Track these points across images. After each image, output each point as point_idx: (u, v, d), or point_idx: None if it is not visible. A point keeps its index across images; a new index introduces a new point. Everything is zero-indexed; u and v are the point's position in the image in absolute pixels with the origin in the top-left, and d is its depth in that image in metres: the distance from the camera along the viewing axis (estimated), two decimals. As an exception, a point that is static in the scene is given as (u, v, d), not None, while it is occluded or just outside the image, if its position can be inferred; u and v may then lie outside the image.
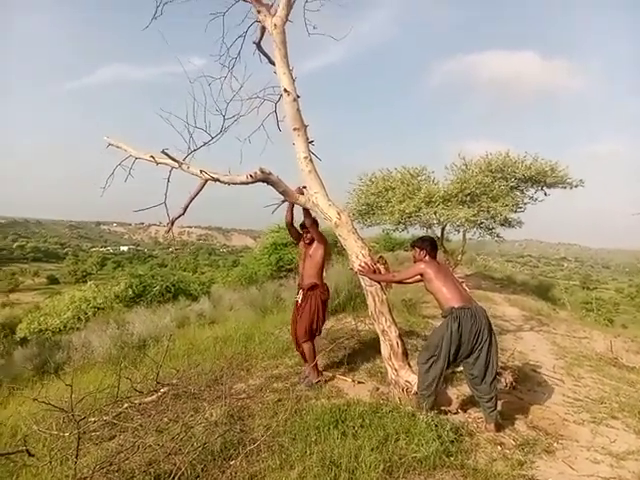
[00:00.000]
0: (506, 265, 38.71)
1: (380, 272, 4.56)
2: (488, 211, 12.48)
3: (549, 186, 13.20)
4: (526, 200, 13.52)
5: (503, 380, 5.14)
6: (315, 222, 5.01)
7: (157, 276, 21.73)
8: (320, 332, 5.11)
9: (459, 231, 15.05)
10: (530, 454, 3.60)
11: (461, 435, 3.69)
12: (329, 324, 7.91)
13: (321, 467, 3.04)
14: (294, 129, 4.79)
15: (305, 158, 4.75)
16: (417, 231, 15.43)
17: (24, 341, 16.52)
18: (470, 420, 4.16)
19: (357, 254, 4.59)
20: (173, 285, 20.60)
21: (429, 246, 4.34)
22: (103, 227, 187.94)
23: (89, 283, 23.07)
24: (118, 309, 17.77)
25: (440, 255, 16.34)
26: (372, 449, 3.24)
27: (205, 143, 4.99)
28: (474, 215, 12.36)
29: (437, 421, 3.66)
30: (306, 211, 4.90)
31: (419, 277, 4.23)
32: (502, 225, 13.80)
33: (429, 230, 15.16)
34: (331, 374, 5.25)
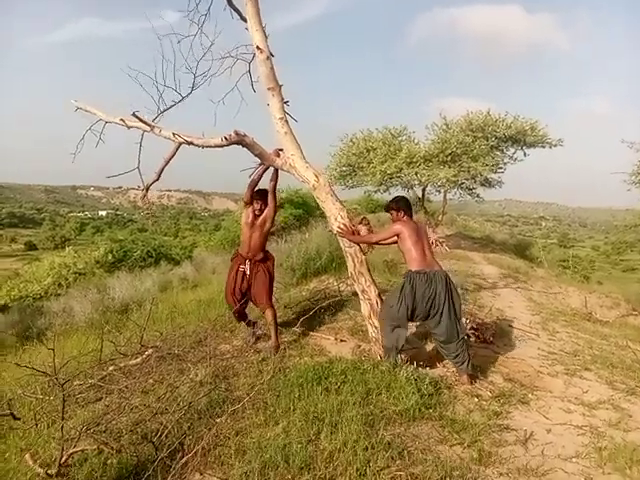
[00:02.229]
0: (486, 225, 39.25)
1: (359, 233, 4.59)
2: (469, 171, 12.52)
3: (529, 145, 13.28)
4: (506, 160, 13.61)
5: (475, 336, 5.33)
6: (275, 187, 4.93)
7: (138, 241, 21.52)
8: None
9: (440, 192, 15.14)
10: (506, 405, 3.74)
11: (440, 388, 3.81)
12: (311, 285, 8.00)
13: (305, 422, 3.12)
14: (268, 89, 4.63)
15: (280, 119, 4.62)
16: (398, 192, 15.46)
17: (4, 308, 16.38)
18: (449, 374, 4.29)
19: (336, 216, 4.58)
20: (154, 250, 20.46)
21: (404, 205, 4.41)
22: (80, 192, 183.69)
23: (68, 249, 22.69)
24: (99, 274, 17.62)
25: (421, 216, 16.55)
26: (354, 404, 3.34)
27: (175, 102, 4.87)
28: (455, 175, 12.41)
29: (416, 375, 3.76)
30: (274, 177, 4.85)
31: (396, 238, 4.29)
32: (482, 185, 13.91)
33: (410, 191, 15.21)
34: (313, 333, 5.34)
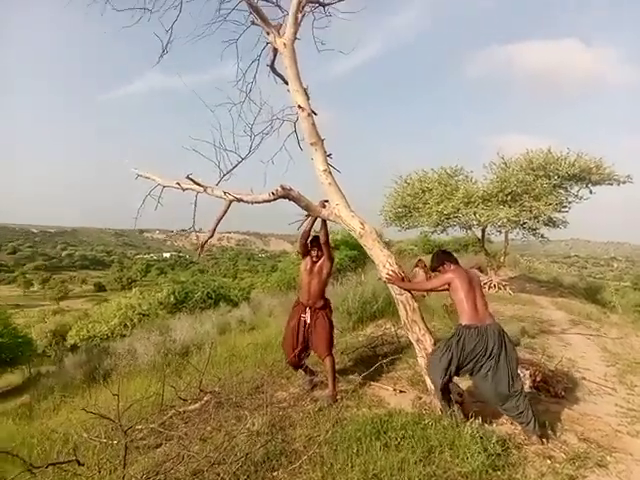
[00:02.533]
0: (552, 266, 37.46)
1: (409, 280, 4.54)
2: (531, 211, 12.08)
3: (594, 183, 12.68)
4: (571, 198, 13.02)
5: (545, 390, 4.98)
6: (327, 236, 4.96)
7: (198, 282, 22.24)
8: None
9: (501, 232, 14.65)
10: (581, 468, 3.45)
11: (508, 448, 3.57)
12: (368, 330, 7.86)
13: (364, 480, 3.00)
14: (311, 143, 4.84)
15: (324, 171, 4.77)
16: (456, 232, 15.15)
17: (74, 348, 17.27)
18: (517, 432, 4.01)
19: (384, 263, 4.53)
20: (214, 291, 21.04)
21: (443, 256, 4.35)
22: (146, 235, 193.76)
23: (134, 290, 23.86)
24: (162, 315, 18.28)
25: (482, 257, 16.00)
26: (415, 462, 3.17)
27: (236, 164, 5.15)
28: (516, 215, 11.99)
29: (482, 433, 3.55)
30: (323, 228, 4.89)
31: (449, 285, 4.17)
32: (546, 225, 13.29)
33: (469, 231, 14.85)
34: (372, 382, 5.20)
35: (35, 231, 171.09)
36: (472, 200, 12.61)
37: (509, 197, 12.39)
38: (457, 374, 4.01)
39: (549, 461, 3.53)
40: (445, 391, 4.01)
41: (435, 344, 4.40)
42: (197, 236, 5.24)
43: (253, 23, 5.47)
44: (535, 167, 12.60)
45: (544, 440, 3.84)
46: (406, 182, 14.23)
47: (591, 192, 12.96)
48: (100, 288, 78.59)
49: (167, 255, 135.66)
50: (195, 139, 5.00)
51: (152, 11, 5.52)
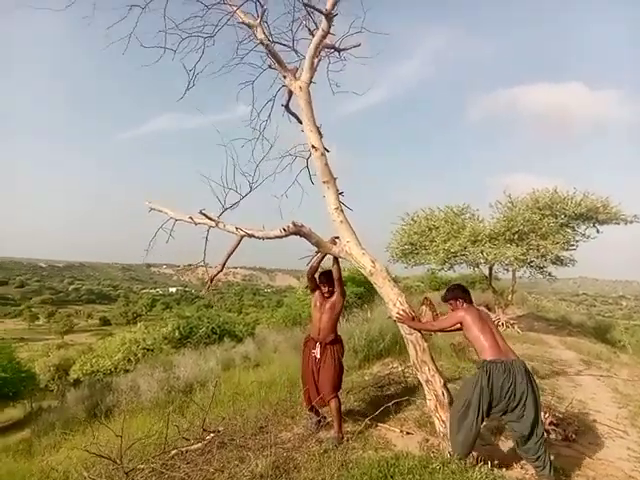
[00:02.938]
0: (560, 304, 37.03)
1: (419, 320, 4.49)
2: (538, 249, 12.06)
3: (601, 222, 12.68)
4: (578, 237, 12.99)
5: (556, 433, 4.85)
6: (339, 272, 4.95)
7: (203, 317, 22.17)
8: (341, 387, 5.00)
9: (508, 270, 14.57)
10: (595, 516, 3.33)
11: (519, 494, 3.46)
12: (375, 368, 7.75)
13: (370, 527, 2.91)
14: (323, 182, 4.95)
15: (336, 209, 4.85)
16: (464, 270, 15.09)
17: (77, 382, 17.08)
18: (527, 477, 3.90)
19: (394, 302, 4.52)
20: (219, 326, 20.94)
21: (461, 293, 4.27)
22: (153, 269, 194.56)
23: (139, 324, 23.74)
24: (166, 351, 18.14)
25: (489, 295, 15.87)
26: (423, 509, 3.08)
27: (235, 203, 5.29)
28: (523, 254, 11.97)
29: (492, 478, 3.45)
30: (336, 264, 4.89)
31: (460, 325, 4.12)
32: (554, 263, 13.24)
33: (476, 269, 14.79)
34: (378, 424, 5.09)
35: (43, 265, 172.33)
36: (479, 238, 12.62)
37: (516, 236, 12.40)
38: (488, 415, 3.84)
39: (562, 508, 3.43)
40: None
41: (445, 385, 4.32)
42: (206, 270, 5.31)
43: (270, 67, 5.72)
44: (541, 206, 12.65)
45: (556, 485, 3.72)
46: (413, 220, 14.30)
47: (598, 231, 12.95)
48: (105, 322, 78.32)
49: (173, 290, 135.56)
50: (202, 175, 5.14)
51: (176, 51, 5.73)
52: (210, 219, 4.92)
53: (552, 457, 3.82)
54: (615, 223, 12.60)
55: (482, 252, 12.43)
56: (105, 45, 5.48)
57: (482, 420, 3.80)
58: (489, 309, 16.32)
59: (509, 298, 15.63)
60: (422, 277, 26.93)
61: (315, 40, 5.38)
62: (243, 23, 5.48)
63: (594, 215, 12.31)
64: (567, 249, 12.80)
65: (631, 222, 12.51)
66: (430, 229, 13.68)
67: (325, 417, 5.12)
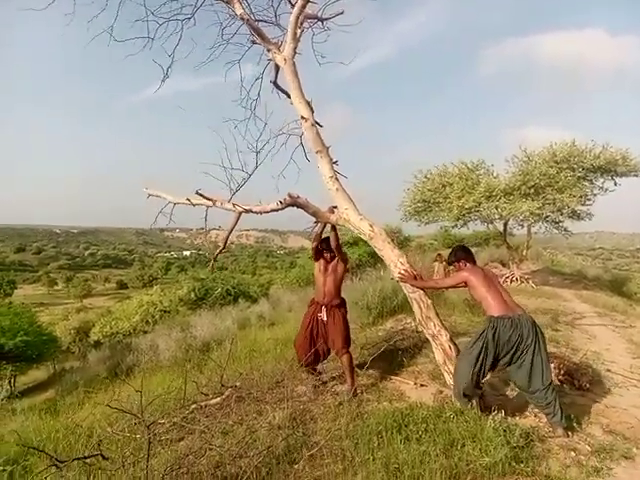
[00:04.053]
0: (576, 259, 36.76)
1: (421, 278, 4.53)
2: (554, 203, 11.87)
3: (620, 175, 12.39)
4: (595, 191, 12.74)
5: (570, 383, 4.88)
6: (338, 240, 4.94)
7: (218, 279, 22.42)
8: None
9: (523, 225, 14.42)
10: (607, 460, 3.37)
11: (532, 440, 3.51)
12: (388, 325, 7.82)
13: (385, 473, 2.98)
14: (317, 152, 4.95)
15: (331, 177, 4.87)
16: (477, 227, 14.96)
17: (97, 344, 17.59)
18: (541, 425, 3.94)
19: (395, 263, 4.56)
20: (233, 288, 21.19)
21: (463, 254, 4.30)
22: (167, 233, 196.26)
23: (155, 287, 24.14)
24: (183, 312, 18.49)
25: (504, 251, 15.76)
26: (437, 455, 3.14)
27: (244, 181, 5.23)
28: (539, 208, 11.80)
29: (505, 426, 3.49)
30: (333, 232, 4.87)
31: (464, 284, 4.13)
32: (570, 218, 13.04)
33: (490, 225, 14.66)
34: (392, 377, 5.17)
35: (58, 232, 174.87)
36: (494, 194, 12.46)
37: (532, 190, 12.19)
38: (493, 368, 3.94)
39: (573, 453, 3.47)
40: (473, 388, 3.91)
41: (451, 339, 4.37)
42: (216, 234, 5.41)
43: (254, 43, 5.69)
44: (559, 160, 12.37)
45: (569, 433, 3.77)
46: (426, 177, 14.13)
47: (616, 184, 12.68)
48: (122, 286, 79.81)
49: (187, 253, 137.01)
50: (203, 162, 5.13)
51: (154, 39, 5.72)
52: (207, 199, 5.00)
53: (563, 405, 3.86)
54: (634, 175, 12.31)
55: (497, 207, 12.30)
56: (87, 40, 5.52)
57: (485, 371, 3.87)
58: (503, 265, 16.27)
59: (524, 253, 15.54)
60: (435, 235, 26.83)
61: (295, 10, 5.34)
62: None
63: (613, 167, 12.02)
64: (584, 203, 12.58)
65: (651, 173, 12.22)
66: (444, 186, 13.52)
67: (321, 372, 5.25)
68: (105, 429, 4.07)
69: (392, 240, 4.76)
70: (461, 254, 4.31)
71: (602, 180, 12.70)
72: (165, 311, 19.15)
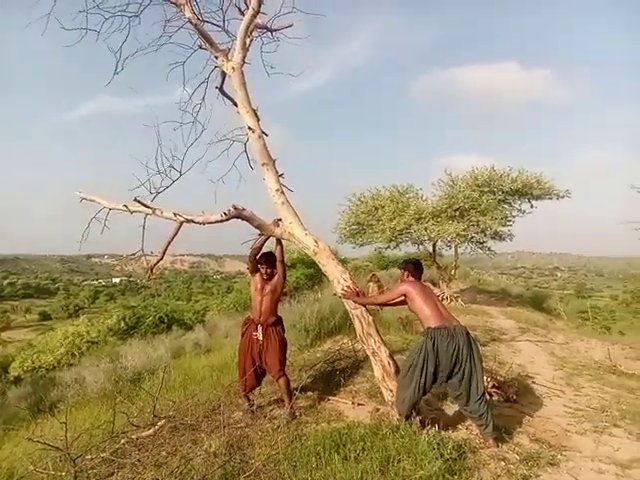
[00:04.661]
0: (500, 278, 38.78)
1: (364, 294, 4.64)
2: (478, 225, 12.58)
3: (536, 198, 13.36)
4: (514, 212, 13.67)
5: (498, 395, 5.13)
6: (282, 254, 4.94)
7: (150, 307, 21.56)
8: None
9: (450, 246, 15.12)
10: (534, 467, 3.57)
11: (464, 452, 3.65)
12: (326, 346, 7.86)
13: (323, 494, 2.98)
14: (262, 164, 4.93)
15: (277, 191, 4.85)
16: (409, 248, 15.48)
17: (18, 380, 16.24)
18: (472, 437, 4.11)
19: (338, 279, 4.63)
20: (167, 315, 20.45)
21: (412, 267, 4.43)
22: (94, 260, 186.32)
23: (82, 317, 22.78)
24: (112, 342, 17.57)
25: (433, 271, 16.36)
26: (374, 472, 3.18)
27: (166, 187, 5.22)
28: (464, 230, 12.46)
29: (439, 439, 3.61)
30: (279, 246, 4.88)
31: (404, 298, 4.27)
32: (493, 238, 13.89)
33: (421, 247, 15.23)
34: (330, 397, 5.19)
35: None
36: (423, 216, 13.03)
37: (457, 213, 12.88)
38: (434, 380, 3.99)
39: (503, 463, 3.64)
40: (416, 401, 4.00)
41: (390, 356, 4.48)
42: (147, 260, 5.10)
43: (200, 47, 5.56)
44: (480, 183, 13.17)
45: (499, 443, 3.95)
46: (360, 200, 14.51)
47: (532, 206, 13.67)
48: (45, 317, 74.40)
49: (117, 280, 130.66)
50: (135, 158, 5.05)
51: (99, 32, 5.48)
52: (146, 206, 4.72)
53: (493, 417, 4.05)
54: (548, 198, 13.29)
55: (426, 229, 12.83)
56: (24, 26, 5.20)
57: (427, 384, 3.96)
58: (434, 284, 16.85)
59: (452, 273, 16.21)
60: (370, 257, 27.36)
61: (246, 19, 5.31)
62: (169, 1, 5.30)
63: (529, 190, 12.94)
64: (505, 225, 13.44)
65: (563, 197, 13.25)
66: (376, 208, 13.93)
67: (251, 400, 5.11)
68: (27, 468, 3.77)
69: (337, 258, 4.81)
70: (410, 266, 4.43)
71: (520, 202, 13.67)
72: (93, 342, 18.05)
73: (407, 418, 3.98)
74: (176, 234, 4.71)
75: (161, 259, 4.97)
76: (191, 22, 5.13)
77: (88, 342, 18.08)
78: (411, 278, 4.37)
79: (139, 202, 4.68)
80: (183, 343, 12.96)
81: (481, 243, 14.23)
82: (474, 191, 12.89)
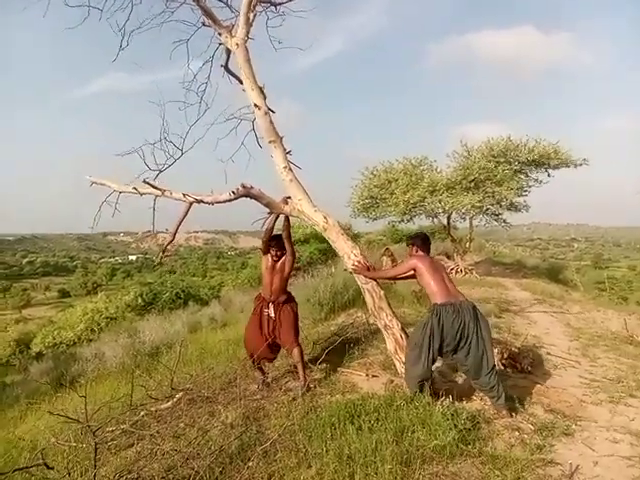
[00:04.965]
0: (516, 249, 38.53)
1: (374, 269, 4.63)
2: (493, 196, 12.42)
3: (553, 167, 13.11)
4: (531, 183, 13.46)
5: (512, 366, 5.13)
6: (289, 233, 4.95)
7: (166, 283, 21.87)
8: None
9: (465, 218, 14.98)
10: (549, 437, 3.57)
11: (478, 423, 3.66)
12: (340, 319, 7.91)
13: (338, 463, 3.02)
14: (270, 142, 4.87)
15: (285, 168, 4.81)
16: (423, 221, 15.39)
17: (39, 356, 16.72)
18: (487, 407, 4.12)
19: (349, 254, 4.62)
20: (183, 291, 20.75)
21: (419, 241, 4.42)
22: (110, 237, 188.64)
23: (100, 294, 23.25)
24: (130, 318, 17.92)
25: (448, 243, 16.27)
26: (388, 442, 3.21)
27: (169, 164, 5.14)
28: (479, 201, 12.31)
29: (453, 410, 3.62)
30: (286, 223, 4.89)
31: (413, 272, 4.25)
32: (508, 209, 13.71)
33: (435, 219, 15.11)
34: (345, 369, 5.24)
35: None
36: (437, 188, 12.88)
37: (472, 184, 12.71)
38: (440, 354, 4.05)
39: (517, 433, 3.65)
40: (425, 374, 4.02)
41: (402, 329, 4.49)
42: (162, 237, 5.15)
43: (204, 24, 5.47)
44: (496, 154, 12.95)
45: (513, 413, 3.96)
46: (372, 174, 14.39)
47: (549, 176, 13.42)
48: (64, 294, 75.97)
49: (133, 258, 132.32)
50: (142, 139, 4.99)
51: (102, 10, 5.40)
52: (156, 188, 4.75)
53: (507, 388, 4.06)
54: (566, 167, 13.04)
55: (440, 201, 12.70)
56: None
57: (433, 359, 3.99)
58: (448, 257, 16.78)
59: (467, 246, 16.12)
60: (384, 231, 27.31)
61: None
62: None
63: (546, 161, 12.69)
64: (521, 195, 13.25)
65: (580, 165, 12.99)
66: (390, 182, 13.81)
67: (265, 373, 5.17)
68: (49, 440, 3.89)
69: (349, 234, 4.81)
70: (418, 241, 4.42)
71: (536, 173, 13.42)
72: (111, 318, 18.46)
73: (416, 393, 4.00)
74: (186, 214, 4.75)
75: (172, 240, 5.03)
76: None
77: (107, 318, 18.48)
78: (420, 252, 4.36)
79: (148, 184, 4.72)
80: (199, 318, 13.16)
81: (496, 215, 14.08)
82: (489, 162, 12.68)
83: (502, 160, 12.83)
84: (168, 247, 5.16)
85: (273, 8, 5.72)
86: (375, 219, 15.09)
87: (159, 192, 4.78)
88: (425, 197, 12.90)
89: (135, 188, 4.90)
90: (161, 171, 5.05)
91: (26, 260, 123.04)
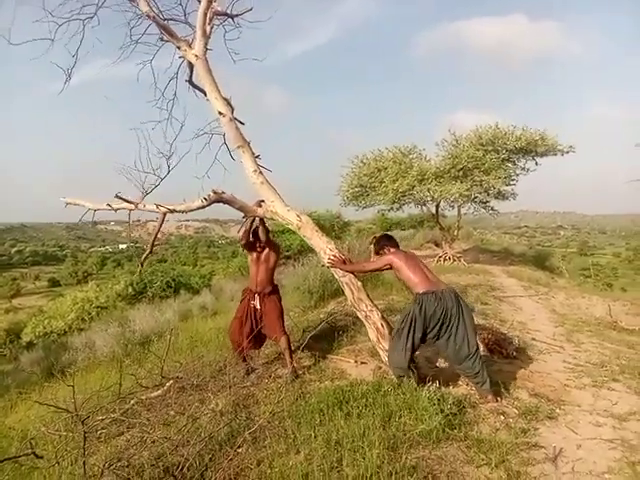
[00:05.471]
0: (503, 237, 38.81)
1: (350, 261, 4.72)
2: (481, 184, 12.49)
3: (540, 155, 13.18)
4: (518, 171, 13.52)
5: (498, 352, 5.22)
6: (267, 232, 5.05)
7: (157, 272, 21.76)
8: None
9: (453, 207, 15.06)
10: (533, 421, 3.65)
11: (464, 407, 3.73)
12: (329, 307, 7.97)
13: (326, 448, 3.08)
14: (238, 147, 4.97)
15: (254, 171, 4.91)
16: (412, 210, 15.45)
17: (30, 345, 16.63)
18: (473, 392, 4.20)
19: (324, 249, 4.71)
20: (174, 280, 20.65)
21: (386, 241, 4.54)
22: (100, 227, 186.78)
23: (90, 283, 23.13)
24: (121, 307, 17.84)
25: (436, 232, 16.34)
26: (376, 427, 3.27)
27: (155, 186, 5.11)
28: (467, 189, 12.38)
29: (439, 395, 3.69)
30: (262, 227, 4.97)
31: (389, 266, 4.34)
32: (496, 198, 13.79)
33: (423, 208, 15.19)
34: (333, 356, 5.30)
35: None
36: (426, 177, 12.93)
37: (461, 173, 12.77)
38: (423, 341, 4.12)
39: (502, 417, 3.72)
40: (409, 362, 4.09)
41: (383, 317, 4.60)
42: (153, 226, 5.25)
43: (162, 40, 5.57)
44: (484, 142, 12.98)
45: (498, 398, 4.04)
46: (362, 162, 14.39)
47: (537, 164, 13.49)
48: (54, 283, 75.29)
49: (123, 246, 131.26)
50: (120, 164, 4.99)
51: (54, 40, 5.44)
52: (128, 202, 4.86)
53: (492, 373, 4.14)
54: (552, 154, 13.11)
55: (429, 190, 12.76)
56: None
57: (415, 346, 4.07)
58: (437, 245, 16.92)
59: (455, 234, 16.22)
60: (373, 219, 27.40)
61: (202, 5, 5.29)
62: None
63: (533, 148, 12.75)
64: (508, 184, 13.31)
65: (567, 152, 13.06)
66: (379, 170, 13.82)
67: (255, 363, 5.28)
68: (39, 429, 3.92)
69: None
70: (384, 242, 4.54)
71: (524, 161, 13.50)
72: (102, 307, 18.36)
73: (402, 379, 4.08)
74: (162, 225, 4.93)
75: (150, 252, 5.22)
76: (148, 16, 5.12)
77: (97, 307, 18.39)
78: (392, 249, 4.44)
79: (121, 198, 4.82)
80: (190, 306, 13.18)
81: (484, 203, 14.16)
82: (478, 150, 12.73)
83: (490, 148, 12.85)
84: (145, 261, 5.46)
85: (230, 20, 5.82)
86: (365, 207, 15.13)
87: (132, 206, 4.90)
88: (414, 186, 12.94)
89: (109, 204, 5.01)
90: (147, 193, 5.06)
91: (15, 249, 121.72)
